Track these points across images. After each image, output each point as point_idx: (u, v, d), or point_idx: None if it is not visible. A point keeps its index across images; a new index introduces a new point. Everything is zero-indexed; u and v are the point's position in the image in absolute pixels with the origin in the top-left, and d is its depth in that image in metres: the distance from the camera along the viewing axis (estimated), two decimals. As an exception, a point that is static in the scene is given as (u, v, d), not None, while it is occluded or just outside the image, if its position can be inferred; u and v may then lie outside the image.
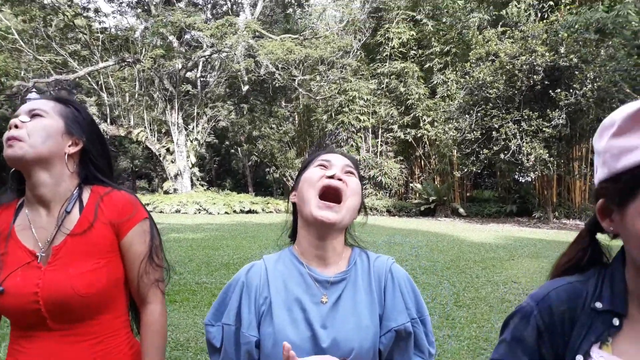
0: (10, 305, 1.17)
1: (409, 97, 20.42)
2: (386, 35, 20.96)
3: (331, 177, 1.17)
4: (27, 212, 1.25)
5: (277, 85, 21.92)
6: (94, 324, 1.22)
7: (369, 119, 21.47)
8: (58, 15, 21.50)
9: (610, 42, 14.15)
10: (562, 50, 14.09)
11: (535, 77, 14.24)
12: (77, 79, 22.67)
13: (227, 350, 1.15)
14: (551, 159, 14.96)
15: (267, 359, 1.12)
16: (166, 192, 22.43)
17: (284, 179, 25.47)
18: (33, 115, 1.22)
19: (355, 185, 1.20)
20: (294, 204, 1.28)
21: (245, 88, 23.30)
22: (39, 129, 1.21)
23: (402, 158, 21.83)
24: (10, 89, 23.24)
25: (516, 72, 14.48)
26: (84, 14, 22.99)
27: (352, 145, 21.41)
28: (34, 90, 18.97)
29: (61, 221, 1.22)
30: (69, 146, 1.25)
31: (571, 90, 13.99)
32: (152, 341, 1.28)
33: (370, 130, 21.95)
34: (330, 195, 1.16)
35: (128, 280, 1.30)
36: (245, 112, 25.39)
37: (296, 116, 25.71)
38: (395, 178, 21.00)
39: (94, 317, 1.22)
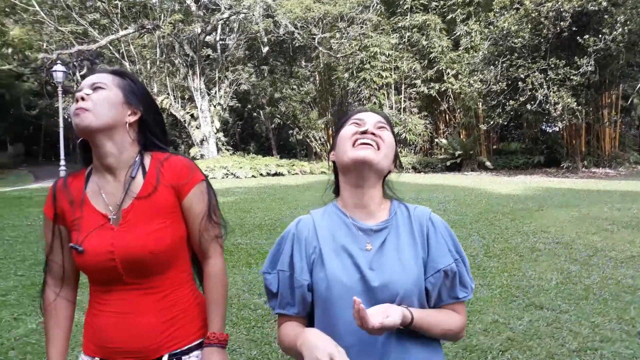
0: (90, 264, 1.31)
1: (431, 50, 20.02)
2: (406, -13, 20.41)
3: (364, 132, 1.26)
4: (96, 179, 1.37)
5: (296, 45, 21.68)
6: (163, 278, 1.35)
7: (391, 74, 21.18)
8: (76, -16, 21.52)
9: (642, -18, 13.55)
10: (591, -7, 13.56)
11: (562, 23, 13.80)
12: (98, 49, 22.81)
13: (283, 294, 1.27)
14: (579, 107, 14.66)
15: (321, 300, 1.24)
16: (193, 158, 22.74)
17: (307, 140, 25.53)
18: (95, 88, 1.32)
19: (388, 138, 1.29)
20: (334, 163, 1.37)
21: (265, 49, 23.14)
22: (102, 99, 1.31)
23: (426, 113, 21.59)
24: (34, 61, 23.61)
25: (542, 19, 14.04)
26: (101, -19, 22.95)
27: (374, 103, 21.21)
28: (58, 62, 19.21)
29: (128, 186, 1.33)
30: (129, 115, 1.35)
31: (600, 36, 13.54)
32: (216, 291, 1.40)
33: (392, 86, 21.68)
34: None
35: (190, 237, 1.41)
36: (265, 74, 25.29)
37: (317, 76, 25.51)
38: (419, 134, 20.86)
39: (163, 272, 1.35)
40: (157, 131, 1.43)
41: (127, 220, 1.32)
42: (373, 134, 1.25)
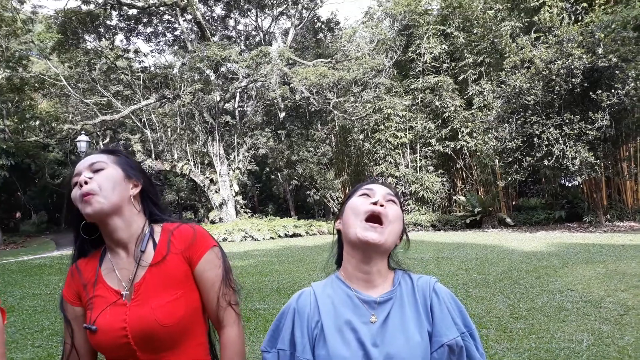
0: (103, 341, 1.29)
1: (444, 110, 20.35)
2: (417, 51, 21.05)
3: (374, 203, 1.26)
4: (109, 256, 1.38)
5: (312, 109, 22.27)
6: (179, 352, 1.32)
7: (405, 134, 21.47)
8: (101, 59, 22.68)
9: (651, 38, 13.78)
10: (600, 51, 13.80)
11: (573, 80, 13.97)
12: (121, 119, 23.66)
13: None
14: (597, 161, 14.56)
15: None
16: (212, 222, 22.90)
17: (325, 200, 25.63)
18: (95, 170, 1.34)
19: (396, 212, 1.29)
20: (338, 232, 1.36)
21: (282, 115, 23.76)
22: (106, 180, 1.32)
23: (442, 171, 21.65)
24: (60, 132, 24.50)
25: (553, 77, 14.26)
26: (125, 56, 24.14)
27: (390, 162, 21.39)
28: (82, 132, 19.93)
29: (139, 259, 1.34)
30: (132, 189, 1.38)
31: (613, 90, 13.64)
32: None
33: (407, 145, 21.90)
34: (374, 220, 1.25)
35: (205, 306, 1.38)
36: (283, 138, 25.83)
37: (333, 138, 25.99)
38: (437, 192, 20.82)
39: (178, 346, 1.32)
40: (156, 201, 1.45)
41: (139, 294, 1.31)
42: (382, 205, 1.26)
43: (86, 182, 1.31)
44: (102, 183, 1.31)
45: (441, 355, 1.16)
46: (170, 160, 24.46)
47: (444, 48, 20.85)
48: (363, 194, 1.31)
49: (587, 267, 8.18)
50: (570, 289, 6.58)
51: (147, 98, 22.68)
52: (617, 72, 13.79)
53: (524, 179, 18.36)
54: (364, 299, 1.23)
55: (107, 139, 27.89)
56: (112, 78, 23.88)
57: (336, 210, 25.07)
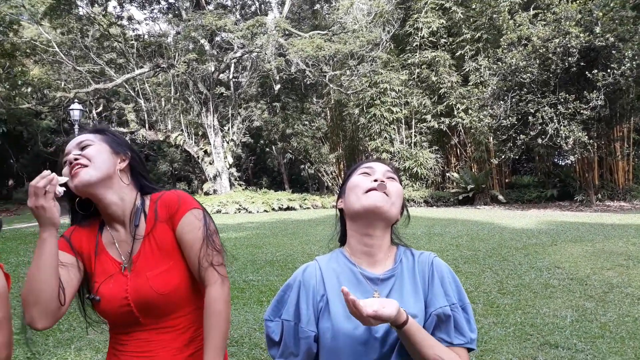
0: (107, 309, 1.37)
1: (441, 85, 20.27)
2: (415, 25, 20.83)
3: (375, 180, 1.28)
4: (108, 230, 1.44)
5: (308, 82, 22.09)
6: (179, 316, 1.40)
7: (401, 110, 21.41)
8: (94, 26, 22.30)
9: (648, 18, 13.72)
10: (598, 30, 13.73)
11: (570, 59, 13.94)
12: (114, 87, 23.41)
13: (287, 343, 1.24)
14: (591, 141, 14.65)
15: (326, 350, 1.23)
16: (206, 194, 22.96)
17: (319, 175, 25.68)
18: (82, 147, 1.39)
19: (397, 188, 1.31)
20: (341, 210, 1.37)
21: (277, 87, 23.59)
22: (94, 153, 1.38)
23: (437, 148, 21.69)
24: (52, 100, 24.23)
25: (550, 55, 14.21)
26: (118, 23, 23.75)
27: (385, 138, 21.39)
28: (75, 100, 19.72)
29: (134, 233, 1.40)
30: (119, 162, 1.43)
31: (609, 70, 13.63)
32: (209, 320, 1.35)
33: (403, 121, 21.87)
34: None
35: (189, 267, 1.40)
36: (278, 111, 25.70)
37: (328, 112, 25.87)
38: (431, 168, 20.91)
39: (178, 311, 1.40)
40: (145, 174, 1.50)
41: (137, 266, 1.38)
42: (383, 181, 1.27)
43: (76, 159, 1.36)
44: (91, 156, 1.36)
45: (430, 324, 1.20)
46: (164, 131, 24.33)
47: (442, 23, 20.64)
48: (363, 173, 1.32)
49: (576, 245, 8.33)
50: (557, 267, 6.72)
51: (141, 67, 22.40)
52: (613, 51, 13.76)
53: (517, 157, 18.46)
54: (367, 276, 1.26)
55: (101, 108, 27.64)
56: (105, 46, 23.51)
57: (330, 184, 25.17)
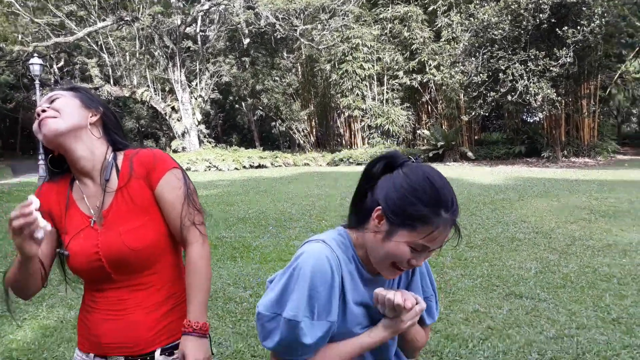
0: (78, 265, 1.34)
1: (413, 41, 20.08)
2: (388, -22, 20.42)
3: (414, 264, 1.12)
4: (78, 185, 1.40)
5: (278, 36, 21.59)
6: (152, 273, 1.37)
7: (373, 66, 21.22)
8: (51, -26, 21.08)
9: (619, -26, 13.76)
10: (570, -15, 13.73)
11: (541, 15, 13.95)
12: (76, 41, 22.42)
13: (319, 344, 1.11)
14: (559, 98, 14.89)
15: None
16: (175, 151, 22.60)
17: (291, 132, 25.49)
18: (52, 100, 1.36)
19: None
20: (379, 218, 1.11)
21: (246, 41, 22.98)
22: (63, 105, 1.34)
23: (408, 105, 21.69)
24: (10, 54, 23.11)
25: (521, 11, 14.18)
26: (77, -28, 22.50)
27: (357, 95, 21.25)
28: (35, 54, 18.83)
29: (104, 187, 1.37)
30: (90, 117, 1.39)
31: (578, 27, 13.72)
32: (193, 278, 1.35)
33: (375, 78, 21.72)
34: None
35: (170, 227, 1.39)
36: (247, 66, 25.14)
37: (299, 67, 25.43)
38: (402, 125, 20.97)
39: (151, 267, 1.37)
40: (118, 131, 1.46)
41: (109, 220, 1.35)
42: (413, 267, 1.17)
43: (44, 111, 1.32)
44: (59, 107, 1.33)
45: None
46: (129, 86, 23.59)
47: (415, -25, 20.29)
48: (420, 247, 1.09)
49: (541, 200, 8.56)
50: (523, 221, 6.91)
51: (104, 20, 21.44)
52: (584, 8, 13.82)
53: (487, 114, 18.65)
54: (377, 284, 1.20)
55: (62, 62, 26.52)
56: (64, -4, 22.34)
57: (301, 141, 25.04)
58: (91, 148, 1.36)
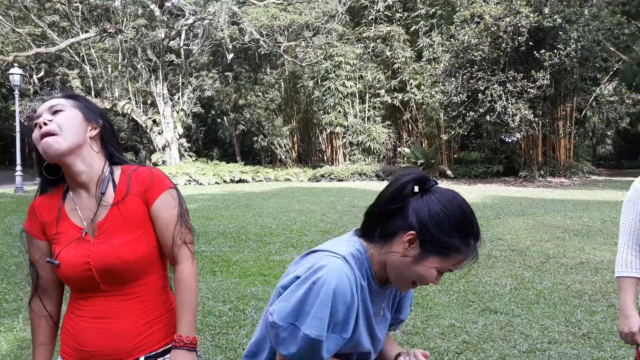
0: (67, 274, 1.38)
1: (395, 60, 20.43)
2: (371, -2, 20.79)
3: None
4: (72, 196, 1.44)
5: (262, 52, 21.75)
6: (139, 285, 1.42)
7: (355, 84, 21.47)
8: (34, -15, 20.98)
9: (594, 1, 14.24)
10: (546, 10, 14.18)
11: (519, 38, 14.34)
12: (58, 52, 22.26)
13: (330, 355, 1.14)
14: (536, 119, 15.23)
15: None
16: (155, 164, 22.40)
17: (272, 147, 25.52)
18: (54, 111, 1.38)
19: None
20: (410, 241, 1.12)
21: (229, 56, 23.10)
22: (66, 120, 1.36)
23: (389, 122, 21.96)
24: (-11, 63, 22.81)
25: (501, 33, 14.57)
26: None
27: (339, 112, 21.44)
28: (15, 64, 18.64)
29: (99, 200, 1.40)
30: (90, 130, 1.42)
31: (555, 51, 14.14)
32: (184, 295, 1.43)
33: (357, 95, 21.97)
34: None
35: (161, 244, 1.45)
36: (230, 81, 25.20)
37: (282, 83, 25.57)
38: (383, 143, 21.19)
39: (138, 279, 1.42)
40: (115, 144, 1.50)
41: (103, 232, 1.38)
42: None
43: (45, 124, 1.34)
44: (62, 124, 1.35)
45: (395, 328, 1.32)
46: (110, 99, 23.43)
47: (398, -4, 20.71)
48: (446, 271, 1.15)
49: (518, 218, 8.72)
50: (500, 239, 7.04)
51: (87, 31, 21.36)
52: (560, 32, 14.25)
53: (466, 134, 18.96)
54: (383, 295, 1.25)
55: (42, 73, 26.27)
56: (47, 7, 22.21)
57: (283, 157, 25.07)
58: (90, 162, 1.40)
